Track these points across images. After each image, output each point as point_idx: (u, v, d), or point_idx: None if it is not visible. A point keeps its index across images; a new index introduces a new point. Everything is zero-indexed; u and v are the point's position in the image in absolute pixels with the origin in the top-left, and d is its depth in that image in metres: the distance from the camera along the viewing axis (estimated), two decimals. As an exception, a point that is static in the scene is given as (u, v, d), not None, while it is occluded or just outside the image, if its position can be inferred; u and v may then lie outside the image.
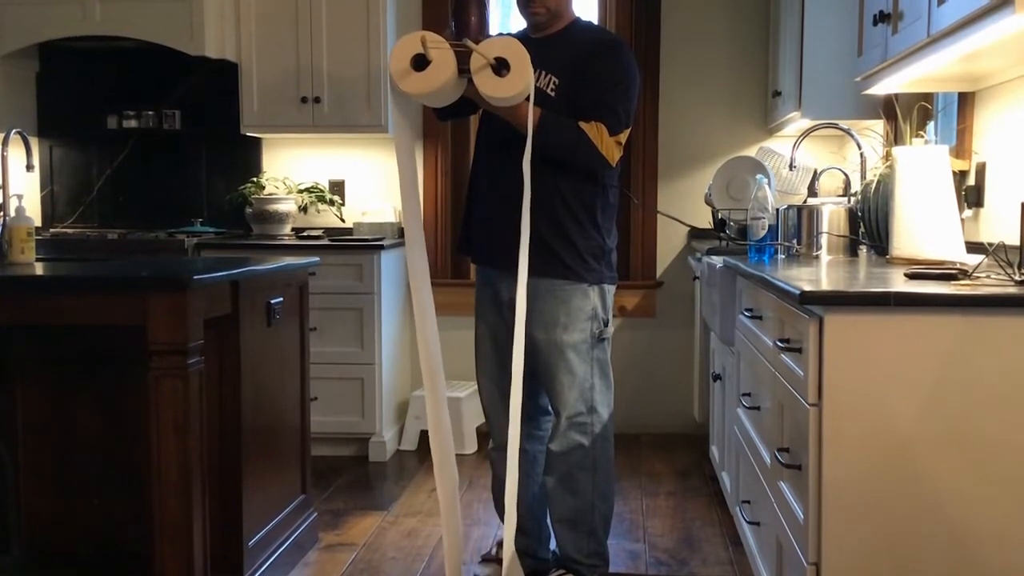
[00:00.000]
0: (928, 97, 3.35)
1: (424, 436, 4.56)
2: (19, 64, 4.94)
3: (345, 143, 5.00)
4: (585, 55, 2.77)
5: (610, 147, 2.74)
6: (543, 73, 2.75)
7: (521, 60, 2.50)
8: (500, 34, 2.76)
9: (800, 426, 2.07)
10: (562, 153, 2.72)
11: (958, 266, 2.34)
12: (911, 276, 2.20)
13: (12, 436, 2.94)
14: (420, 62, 2.51)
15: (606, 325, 2.88)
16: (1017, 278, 2.06)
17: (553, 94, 2.76)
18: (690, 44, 4.87)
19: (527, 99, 2.58)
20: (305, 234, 4.83)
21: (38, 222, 4.87)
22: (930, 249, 2.58)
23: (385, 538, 3.48)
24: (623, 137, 2.78)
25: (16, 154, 3.65)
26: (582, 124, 2.71)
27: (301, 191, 4.93)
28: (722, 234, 3.99)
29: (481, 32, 2.66)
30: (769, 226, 3.01)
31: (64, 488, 2.97)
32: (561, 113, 2.72)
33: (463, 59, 2.51)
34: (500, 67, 2.50)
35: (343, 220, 4.97)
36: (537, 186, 2.74)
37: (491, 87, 2.51)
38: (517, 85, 2.51)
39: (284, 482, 3.20)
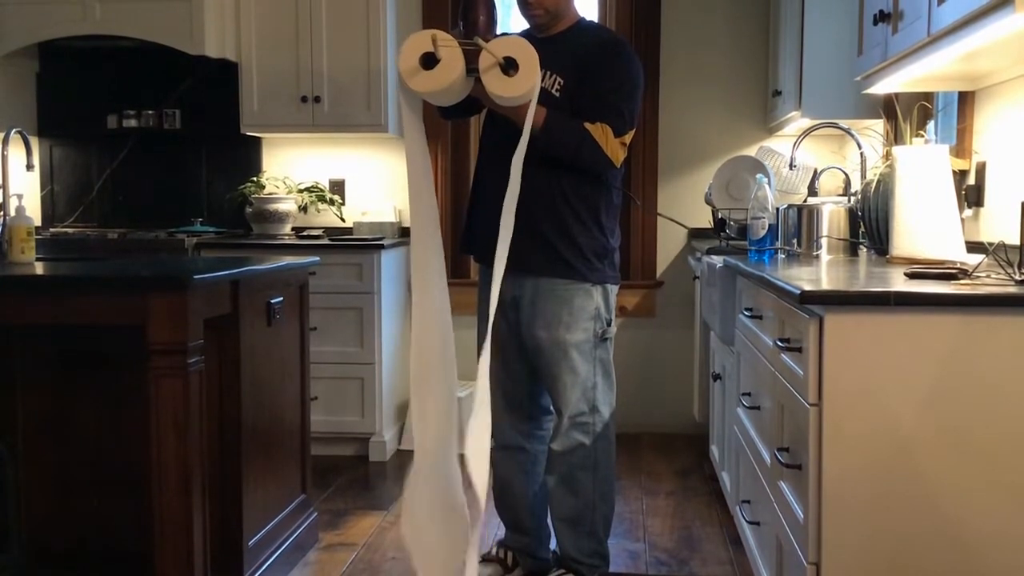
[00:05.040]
0: (928, 96, 3.35)
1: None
2: (19, 64, 4.94)
3: (345, 142, 5.00)
4: (590, 56, 2.77)
5: (615, 148, 2.74)
6: (548, 73, 2.75)
7: (530, 60, 2.50)
8: (504, 34, 2.76)
9: (800, 426, 2.07)
10: (567, 153, 2.72)
11: (958, 266, 2.34)
12: (911, 276, 2.20)
13: (12, 436, 2.94)
14: (428, 60, 2.51)
15: (609, 325, 2.88)
16: (1017, 278, 2.06)
17: (558, 94, 2.76)
18: (690, 43, 4.87)
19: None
20: (305, 234, 4.83)
21: (38, 222, 4.86)
22: (930, 249, 2.58)
23: (385, 538, 3.48)
24: (628, 138, 2.79)
25: (16, 154, 3.65)
26: (587, 125, 2.71)
27: (301, 191, 4.93)
28: (722, 234, 3.99)
29: (489, 31, 2.66)
30: (769, 225, 3.01)
31: (64, 488, 2.97)
32: (565, 113, 2.72)
33: (471, 58, 2.51)
34: (508, 66, 2.50)
35: (343, 220, 4.97)
36: (541, 186, 2.75)
37: (499, 86, 2.51)
38: (524, 85, 2.51)
39: (284, 482, 3.20)
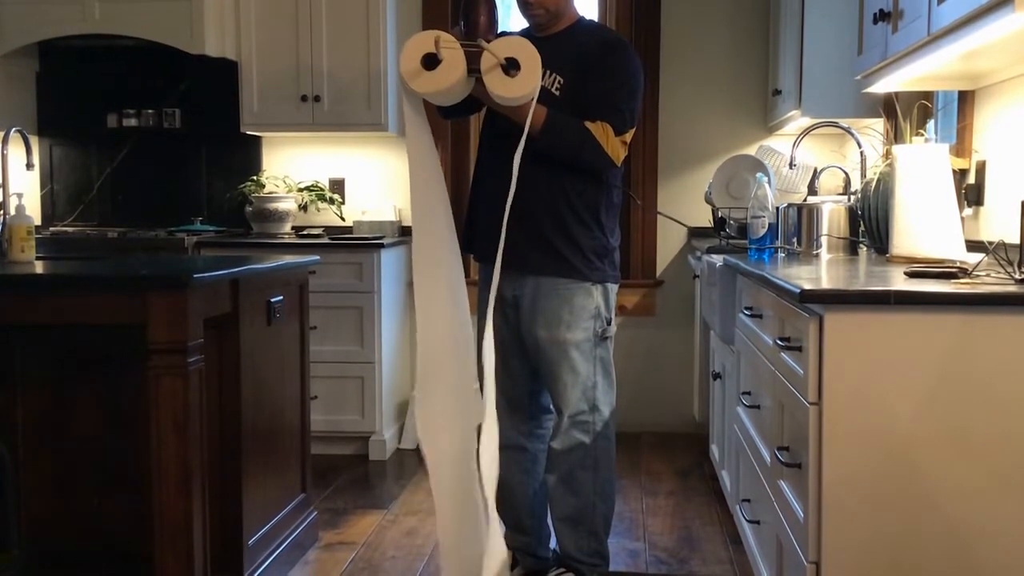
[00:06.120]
0: (928, 95, 3.35)
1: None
2: (19, 63, 4.94)
3: (345, 142, 4.99)
4: (590, 55, 2.77)
5: (615, 147, 2.74)
6: (548, 72, 2.74)
7: (531, 60, 2.50)
8: (503, 33, 2.76)
9: (800, 425, 2.07)
10: (568, 152, 2.72)
11: (958, 265, 2.34)
12: (911, 275, 2.20)
13: (12, 436, 2.94)
14: (430, 61, 2.51)
15: (609, 324, 2.88)
16: (1017, 277, 2.06)
17: (558, 93, 2.76)
18: (690, 43, 4.87)
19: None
20: (305, 233, 4.83)
21: (38, 221, 4.86)
22: (930, 248, 2.58)
23: (385, 537, 3.48)
24: (628, 137, 2.79)
25: (16, 153, 3.64)
26: (587, 124, 2.71)
27: (301, 190, 4.93)
28: (722, 233, 3.99)
29: (490, 31, 2.66)
30: (769, 224, 3.01)
31: (64, 488, 2.97)
32: (566, 113, 2.72)
33: (473, 59, 2.51)
34: (510, 67, 2.50)
35: (343, 219, 4.97)
36: (542, 185, 2.75)
37: (501, 87, 2.51)
38: (526, 85, 2.51)
39: (284, 481, 3.20)
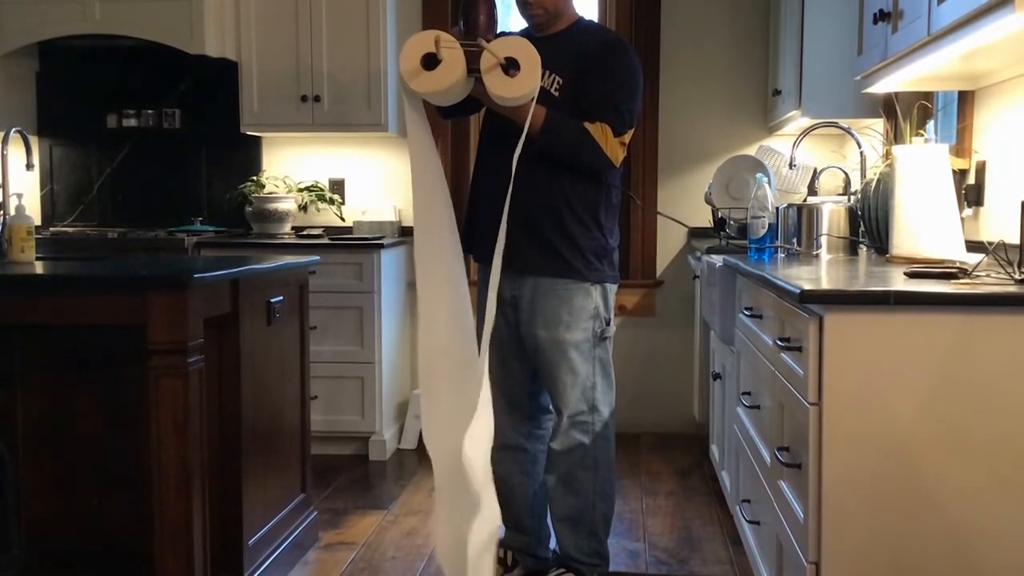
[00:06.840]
0: (928, 96, 3.35)
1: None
2: (19, 63, 4.94)
3: (345, 142, 4.99)
4: (590, 55, 2.77)
5: (614, 147, 2.74)
6: (547, 72, 2.75)
7: (531, 61, 2.50)
8: (503, 33, 2.76)
9: (800, 425, 2.07)
10: (567, 153, 2.72)
11: (958, 265, 2.34)
12: (911, 275, 2.20)
13: (12, 436, 2.94)
14: (430, 61, 2.51)
15: (608, 324, 2.88)
16: (1017, 277, 2.06)
17: (557, 94, 2.76)
18: (690, 43, 4.87)
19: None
20: (305, 233, 4.83)
21: (38, 221, 4.86)
22: (930, 248, 2.58)
23: (385, 537, 3.48)
24: (627, 137, 2.79)
25: (16, 153, 3.64)
26: (587, 124, 2.71)
27: (301, 190, 4.93)
28: (722, 233, 3.99)
29: (490, 30, 2.66)
30: (769, 225, 3.01)
31: (64, 488, 2.97)
32: (565, 113, 2.72)
33: (472, 58, 2.51)
34: (509, 67, 2.50)
35: (343, 219, 4.97)
36: (541, 185, 2.75)
37: (500, 87, 2.51)
38: (526, 85, 2.51)
39: (284, 481, 3.20)
